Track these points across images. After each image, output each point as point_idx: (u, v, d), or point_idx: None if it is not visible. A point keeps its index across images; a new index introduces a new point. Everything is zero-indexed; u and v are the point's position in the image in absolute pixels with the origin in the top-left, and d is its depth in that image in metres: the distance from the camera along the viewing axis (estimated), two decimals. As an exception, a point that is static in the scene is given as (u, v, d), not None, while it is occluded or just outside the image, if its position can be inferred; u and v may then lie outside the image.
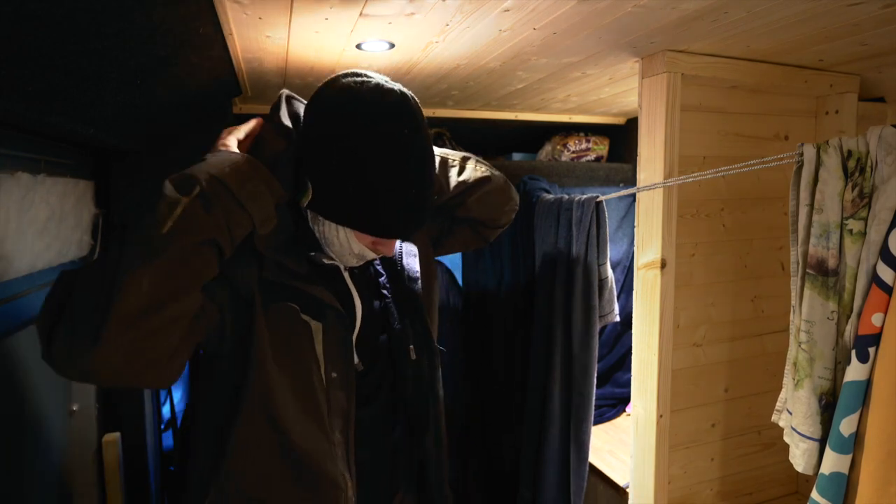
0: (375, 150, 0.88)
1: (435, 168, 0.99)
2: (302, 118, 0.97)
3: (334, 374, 0.95)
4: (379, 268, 1.11)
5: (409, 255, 1.13)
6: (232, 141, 0.93)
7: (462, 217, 1.23)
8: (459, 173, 1.18)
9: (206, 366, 0.98)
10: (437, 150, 1.16)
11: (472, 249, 1.39)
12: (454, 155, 1.20)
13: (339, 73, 0.94)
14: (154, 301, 0.74)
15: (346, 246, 0.97)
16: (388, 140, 0.89)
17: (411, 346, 1.09)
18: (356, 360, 1.04)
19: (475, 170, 1.19)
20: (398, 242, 1.12)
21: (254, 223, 0.85)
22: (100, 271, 0.74)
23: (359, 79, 0.91)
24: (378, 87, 0.90)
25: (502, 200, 1.24)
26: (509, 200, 1.25)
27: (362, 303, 1.05)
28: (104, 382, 0.73)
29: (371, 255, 1.00)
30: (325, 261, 1.00)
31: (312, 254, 0.98)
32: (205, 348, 0.92)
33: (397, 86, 0.92)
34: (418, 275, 1.11)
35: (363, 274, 1.08)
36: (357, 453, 1.02)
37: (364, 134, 0.88)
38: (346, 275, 1.05)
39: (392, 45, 1.20)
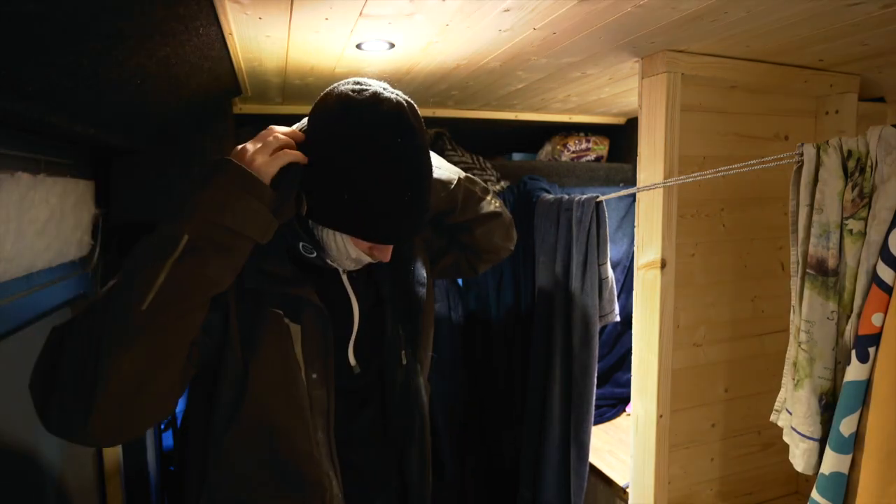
0: (370, 158, 0.88)
1: (432, 176, 0.99)
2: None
3: (314, 375, 0.95)
4: (384, 272, 1.12)
5: (419, 262, 1.14)
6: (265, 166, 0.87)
7: (462, 243, 1.27)
8: (478, 202, 1.22)
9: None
10: (460, 172, 1.22)
11: (460, 277, 1.43)
12: (479, 182, 1.25)
13: (340, 81, 0.94)
14: (139, 380, 0.73)
15: (344, 251, 0.97)
16: (383, 149, 0.89)
17: (403, 351, 1.09)
18: (353, 361, 1.05)
19: (490, 203, 1.25)
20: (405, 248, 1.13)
21: (255, 241, 0.84)
22: (85, 341, 0.72)
23: (357, 87, 0.91)
24: (375, 95, 0.90)
25: (505, 239, 1.30)
26: (510, 240, 1.33)
27: (360, 305, 1.06)
28: (101, 446, 0.75)
29: (368, 260, 1.00)
30: (327, 263, 1.01)
31: (314, 255, 0.99)
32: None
33: (395, 94, 0.92)
34: (425, 280, 1.12)
35: (362, 276, 1.09)
36: (350, 457, 1.02)
37: (359, 142, 0.88)
38: (344, 277, 1.05)
39: (392, 45, 1.20)
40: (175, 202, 0.84)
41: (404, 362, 1.10)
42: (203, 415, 0.95)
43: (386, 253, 1.00)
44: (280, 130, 0.91)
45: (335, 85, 0.94)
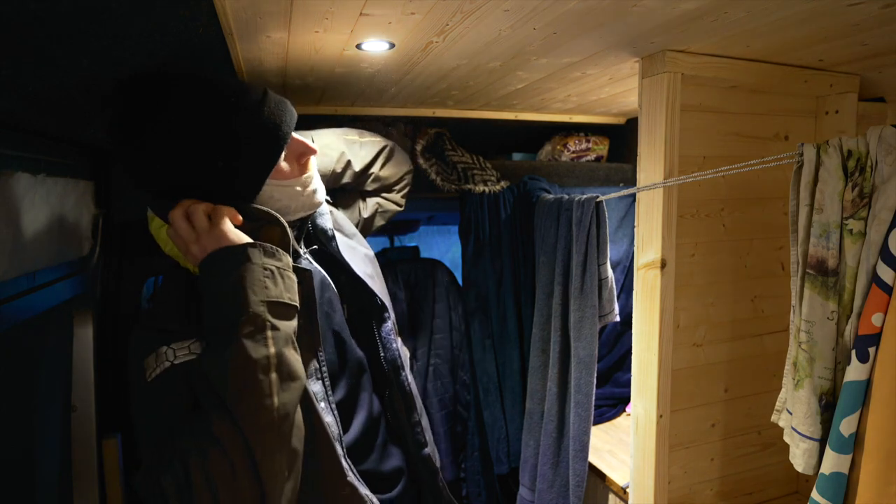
0: (215, 100, 0.89)
1: None
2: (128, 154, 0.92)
3: (322, 405, 0.91)
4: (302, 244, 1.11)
5: (322, 216, 1.12)
6: (231, 230, 0.85)
7: (373, 191, 1.40)
8: (361, 148, 1.33)
9: None
10: (337, 130, 1.32)
11: (392, 214, 1.50)
12: (353, 132, 1.35)
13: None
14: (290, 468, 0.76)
15: (295, 193, 0.95)
16: (212, 83, 0.90)
17: (345, 305, 1.09)
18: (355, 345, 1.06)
19: (373, 143, 1.36)
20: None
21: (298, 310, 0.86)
22: (232, 475, 0.70)
23: (137, 101, 0.91)
24: (159, 82, 0.91)
25: (400, 164, 1.43)
26: (405, 163, 1.46)
27: (333, 280, 1.07)
28: None
29: (313, 181, 1.00)
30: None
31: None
32: None
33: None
34: (332, 232, 1.11)
35: (322, 255, 1.10)
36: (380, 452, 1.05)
37: (199, 100, 0.88)
38: (307, 255, 1.06)
39: (392, 45, 1.20)
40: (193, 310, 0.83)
41: (346, 315, 1.10)
42: None
43: (307, 147, 0.98)
44: (191, 204, 0.87)
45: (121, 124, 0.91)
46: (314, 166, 1.01)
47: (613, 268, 1.65)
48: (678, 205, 1.32)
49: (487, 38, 1.16)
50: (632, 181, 1.61)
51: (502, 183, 1.90)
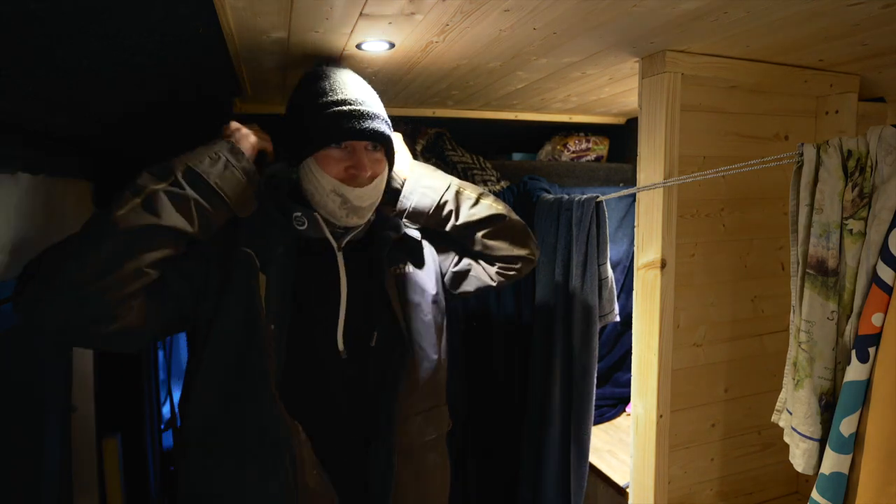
0: (313, 79, 1.09)
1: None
2: None
3: (273, 326, 0.98)
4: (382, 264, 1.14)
5: (387, 247, 1.14)
6: (245, 140, 1.03)
7: (471, 251, 1.28)
8: (473, 206, 1.23)
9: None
10: (455, 180, 1.26)
11: (484, 286, 1.32)
12: (472, 188, 1.27)
13: None
14: (95, 276, 0.82)
15: (322, 187, 1.04)
16: (321, 72, 1.10)
17: (375, 333, 1.10)
18: (341, 347, 1.06)
19: (490, 207, 1.25)
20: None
21: (232, 208, 0.96)
22: (68, 244, 0.86)
23: None
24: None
25: (514, 243, 1.26)
26: (522, 246, 1.27)
27: (350, 287, 1.07)
28: (46, 330, 0.87)
29: (351, 192, 1.05)
30: (321, 231, 1.08)
31: (304, 226, 1.07)
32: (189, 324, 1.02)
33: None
34: (384, 265, 1.13)
35: (362, 260, 1.12)
36: (334, 440, 1.05)
37: (305, 78, 1.11)
38: (339, 256, 1.09)
39: (392, 45, 1.20)
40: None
41: (373, 345, 1.10)
42: (190, 360, 1.05)
43: (360, 165, 1.05)
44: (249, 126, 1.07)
45: None
46: (367, 193, 1.07)
47: (613, 268, 1.65)
48: (678, 205, 1.32)
49: (487, 38, 1.16)
50: (632, 181, 1.61)
51: (502, 183, 1.90)
